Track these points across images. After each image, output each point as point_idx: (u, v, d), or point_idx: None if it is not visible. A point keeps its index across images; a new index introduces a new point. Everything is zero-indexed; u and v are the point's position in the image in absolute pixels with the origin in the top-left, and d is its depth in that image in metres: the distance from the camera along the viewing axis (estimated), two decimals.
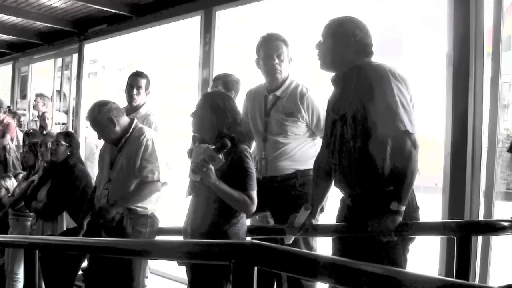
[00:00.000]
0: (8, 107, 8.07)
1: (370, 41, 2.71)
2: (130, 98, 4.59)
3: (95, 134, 3.97)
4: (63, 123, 7.82)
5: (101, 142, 4.04)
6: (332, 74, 2.79)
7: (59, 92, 7.87)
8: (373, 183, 2.60)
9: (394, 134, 2.51)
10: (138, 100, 4.60)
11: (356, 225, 2.69)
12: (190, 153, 3.74)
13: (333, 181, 2.84)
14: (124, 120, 3.79)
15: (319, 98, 3.50)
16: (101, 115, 3.70)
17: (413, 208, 2.62)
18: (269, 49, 3.51)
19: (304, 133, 3.54)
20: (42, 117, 7.65)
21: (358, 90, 2.62)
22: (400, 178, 2.49)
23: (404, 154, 2.49)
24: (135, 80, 4.63)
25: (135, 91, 4.59)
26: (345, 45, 2.67)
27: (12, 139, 7.29)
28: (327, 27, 2.76)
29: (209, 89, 4.35)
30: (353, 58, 2.67)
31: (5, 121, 7.37)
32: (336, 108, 2.75)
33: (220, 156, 2.89)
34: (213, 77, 4.55)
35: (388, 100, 2.51)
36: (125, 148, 3.73)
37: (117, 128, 3.72)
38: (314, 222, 2.86)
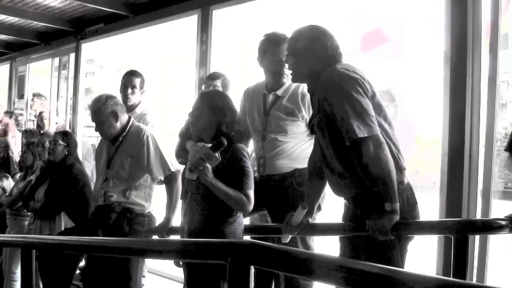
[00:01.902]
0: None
1: (331, 50, 2.66)
2: (125, 97, 4.56)
3: (92, 133, 3.92)
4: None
5: (98, 141, 4.02)
6: None
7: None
8: (360, 187, 2.60)
9: (350, 143, 2.50)
10: (133, 99, 4.58)
11: (353, 225, 2.69)
12: (178, 152, 3.74)
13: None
14: (124, 118, 3.77)
15: None
16: (105, 107, 3.67)
17: (410, 206, 2.61)
18: (279, 51, 3.44)
19: (302, 132, 3.53)
20: (39, 117, 7.64)
21: (318, 100, 2.65)
22: (379, 180, 2.48)
23: (370, 158, 2.47)
24: (129, 79, 4.60)
25: (129, 90, 4.56)
26: (304, 59, 2.68)
27: (13, 137, 7.30)
28: (288, 42, 2.81)
29: (203, 87, 4.33)
30: (314, 68, 2.67)
31: (4, 121, 7.37)
32: (312, 117, 2.79)
33: (216, 154, 2.88)
34: (207, 76, 4.52)
35: (338, 110, 2.51)
36: (123, 146, 3.70)
37: (118, 124, 3.70)
38: (311, 221, 2.86)
